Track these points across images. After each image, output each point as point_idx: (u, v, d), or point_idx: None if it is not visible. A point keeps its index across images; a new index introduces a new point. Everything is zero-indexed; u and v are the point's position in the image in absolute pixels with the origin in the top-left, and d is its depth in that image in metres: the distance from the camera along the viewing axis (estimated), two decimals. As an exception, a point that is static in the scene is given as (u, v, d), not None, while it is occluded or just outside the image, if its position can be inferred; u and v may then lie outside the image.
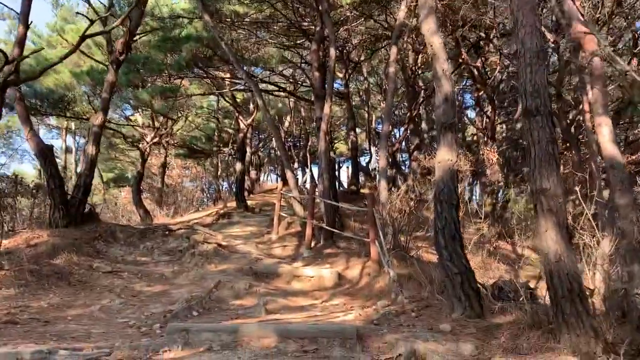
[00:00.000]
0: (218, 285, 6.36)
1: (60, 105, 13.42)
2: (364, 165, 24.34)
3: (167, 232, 9.47)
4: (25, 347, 3.50)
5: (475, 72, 14.21)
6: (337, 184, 16.93)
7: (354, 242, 9.89)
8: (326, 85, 10.05)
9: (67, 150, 22.83)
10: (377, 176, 10.75)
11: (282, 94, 17.75)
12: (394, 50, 10.09)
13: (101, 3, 11.37)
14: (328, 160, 10.47)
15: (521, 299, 4.76)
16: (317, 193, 10.86)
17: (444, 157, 5.39)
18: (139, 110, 17.91)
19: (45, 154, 8.37)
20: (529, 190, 15.54)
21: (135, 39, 10.11)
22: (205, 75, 14.52)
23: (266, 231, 12.17)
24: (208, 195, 24.58)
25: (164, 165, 21.77)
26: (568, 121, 14.33)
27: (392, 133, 22.32)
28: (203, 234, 9.14)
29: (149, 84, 14.11)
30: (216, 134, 24.40)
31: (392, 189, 11.03)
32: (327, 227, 9.89)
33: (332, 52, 9.67)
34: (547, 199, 3.88)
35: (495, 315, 4.92)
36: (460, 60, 13.70)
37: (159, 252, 8.54)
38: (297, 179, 19.61)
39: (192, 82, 18.92)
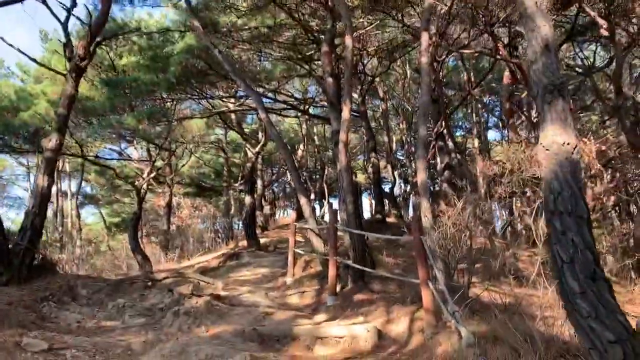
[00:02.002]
0: (199, 367, 4.12)
1: (36, 139, 11.55)
2: (387, 192, 22.09)
3: (149, 283, 7.27)
4: None
5: (516, 71, 12.06)
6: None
7: (391, 283, 7.63)
8: (343, 84, 7.95)
9: (62, 193, 21.01)
10: (415, 196, 8.45)
11: (291, 112, 15.74)
12: (424, 37, 7.99)
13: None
14: (350, 179, 8.24)
15: None
16: (338, 222, 8.67)
17: (555, 138, 3.19)
18: (134, 143, 16.10)
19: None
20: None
21: (98, 40, 8.14)
22: (201, 96, 12.59)
23: (280, 273, 10.06)
24: (222, 235, 22.64)
25: (169, 205, 19.94)
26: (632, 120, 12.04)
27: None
28: (192, 284, 6.91)
29: (140, 107, 12.26)
30: (225, 168, 22.64)
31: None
32: (355, 265, 7.61)
33: (349, 41, 7.58)
34: None
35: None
36: (498, 57, 11.58)
37: (131, 313, 6.29)
38: (314, 207, 17.49)
39: (194, 112, 17.18)
